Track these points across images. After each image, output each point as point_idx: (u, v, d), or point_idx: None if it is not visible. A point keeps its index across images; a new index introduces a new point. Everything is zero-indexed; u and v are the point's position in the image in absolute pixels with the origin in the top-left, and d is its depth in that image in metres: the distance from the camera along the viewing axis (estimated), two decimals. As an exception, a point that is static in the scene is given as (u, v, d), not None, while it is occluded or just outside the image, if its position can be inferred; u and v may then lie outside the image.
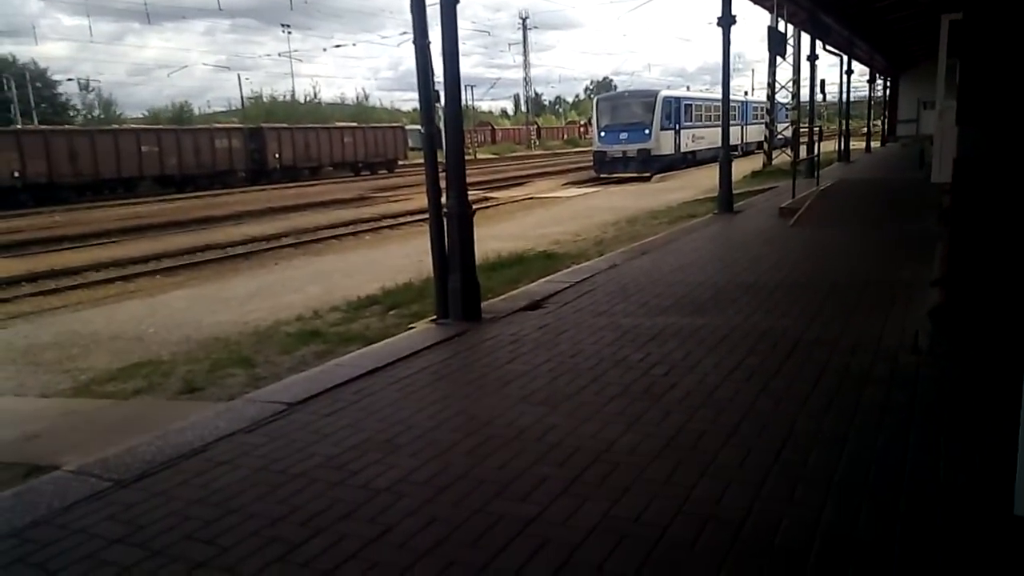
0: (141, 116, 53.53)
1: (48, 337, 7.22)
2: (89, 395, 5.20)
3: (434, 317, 5.23)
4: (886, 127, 34.93)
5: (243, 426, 3.34)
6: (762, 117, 28.58)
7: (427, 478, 2.73)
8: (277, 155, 34.27)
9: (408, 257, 10.35)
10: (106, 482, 2.83)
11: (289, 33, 54.08)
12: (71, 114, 49.85)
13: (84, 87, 51.31)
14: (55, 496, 2.74)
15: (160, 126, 36.22)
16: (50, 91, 49.67)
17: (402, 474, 2.77)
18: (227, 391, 4.81)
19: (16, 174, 24.72)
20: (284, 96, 59.75)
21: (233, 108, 59.33)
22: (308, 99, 62.44)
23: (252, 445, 3.12)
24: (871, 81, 30.91)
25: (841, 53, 23.08)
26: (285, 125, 37.54)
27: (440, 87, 5.13)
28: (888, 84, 34.29)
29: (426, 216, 5.33)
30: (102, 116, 49.56)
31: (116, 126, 34.99)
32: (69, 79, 50.16)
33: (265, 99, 58.99)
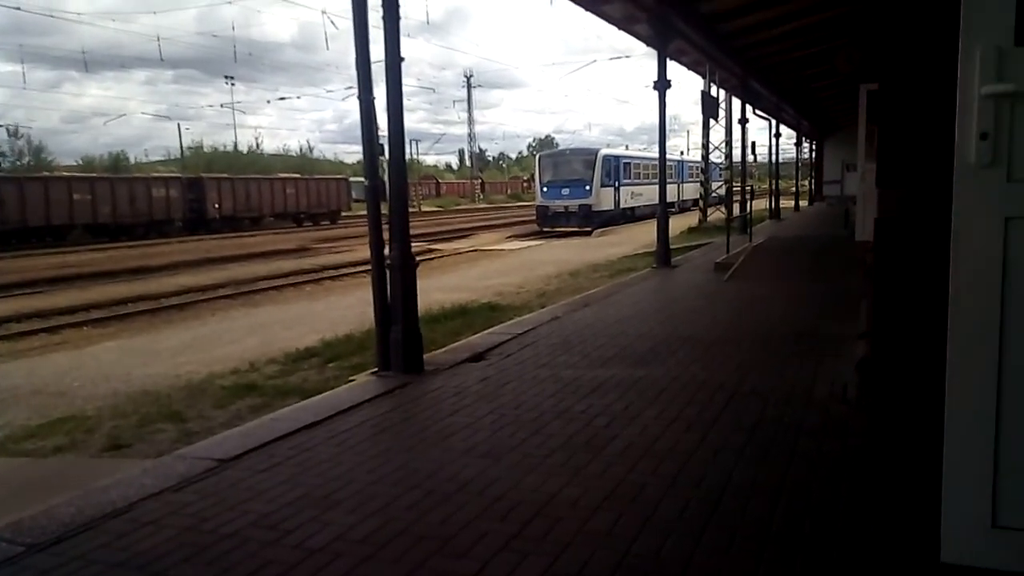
0: (74, 164, 52.01)
1: (-39, 392, 6.82)
2: (4, 454, 4.91)
3: (375, 369, 5.16)
4: (813, 187, 36.67)
5: (171, 484, 3.20)
6: (697, 176, 29.67)
7: (365, 535, 2.65)
8: (217, 205, 33.71)
9: (350, 308, 10.24)
10: (18, 547, 2.65)
11: (232, 85, 53.98)
12: (-2, 161, 48.08)
13: (13, 134, 49.71)
14: (-39, 563, 2.55)
15: (94, 174, 35.23)
16: (-25, 138, 47.90)
17: (339, 531, 2.69)
18: (156, 447, 4.61)
19: (-66, 221, 23.63)
20: (225, 147, 59.15)
21: (172, 157, 58.31)
22: (251, 150, 61.96)
23: (180, 504, 2.99)
24: (798, 144, 32.58)
25: (770, 117, 24.34)
26: (226, 175, 37.08)
27: (385, 140, 5.18)
28: (814, 147, 36.15)
29: (369, 267, 5.30)
30: (32, 163, 47.92)
31: (47, 173, 33.95)
32: (-1, 125, 48.38)
33: (206, 149, 58.30)
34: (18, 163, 47.86)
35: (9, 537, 2.73)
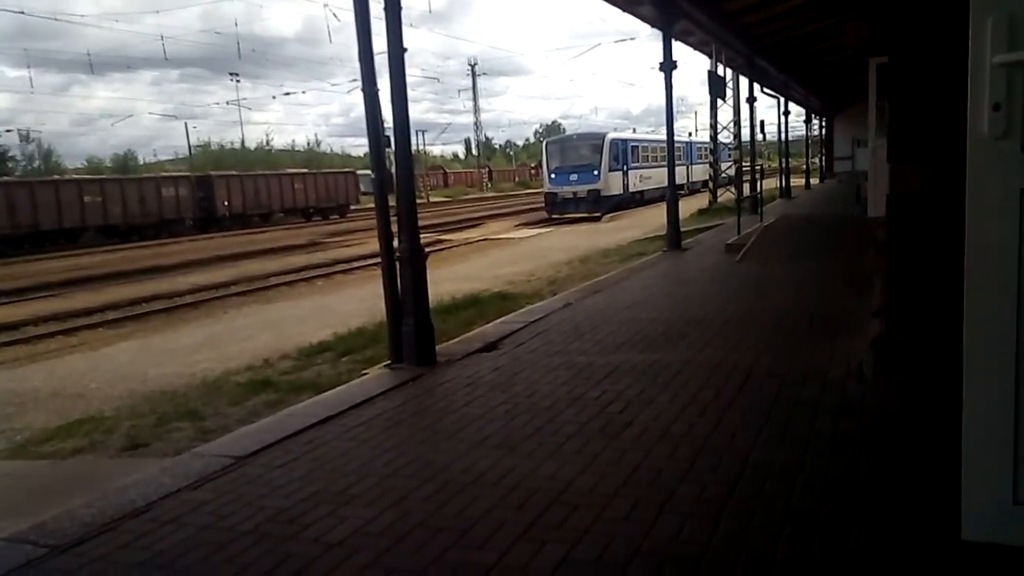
0: (81, 166, 52.33)
1: (-19, 396, 6.90)
2: (25, 456, 4.97)
3: (388, 362, 5.16)
4: (824, 164, 36.34)
5: (190, 482, 3.22)
6: (706, 157, 29.50)
7: (383, 528, 2.66)
8: (226, 202, 33.84)
9: (362, 302, 10.26)
10: (42, 548, 2.68)
11: (238, 82, 53.80)
12: (9, 165, 48.48)
13: (24, 138, 50.08)
14: (-15, 566, 2.58)
15: (103, 176, 35.45)
16: (-12, 143, 48.28)
17: (358, 525, 2.70)
18: (173, 446, 4.65)
19: (-51, 228, 23.86)
20: (233, 144, 59.35)
21: (180, 157, 58.57)
22: (259, 146, 62.15)
23: (199, 502, 3.01)
24: (807, 121, 32.23)
25: (778, 95, 24.09)
26: (234, 172, 37.20)
27: (390, 132, 5.16)
28: (824, 124, 35.79)
29: (379, 260, 5.30)
30: (42, 167, 48.31)
31: (57, 176, 34.19)
32: (8, 130, 48.75)
33: (213, 147, 58.50)
34: (29, 167, 48.27)
35: (33, 539, 2.76)
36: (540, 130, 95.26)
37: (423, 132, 63.53)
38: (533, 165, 72.17)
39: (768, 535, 2.43)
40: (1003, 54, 1.98)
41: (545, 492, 2.87)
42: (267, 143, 65.49)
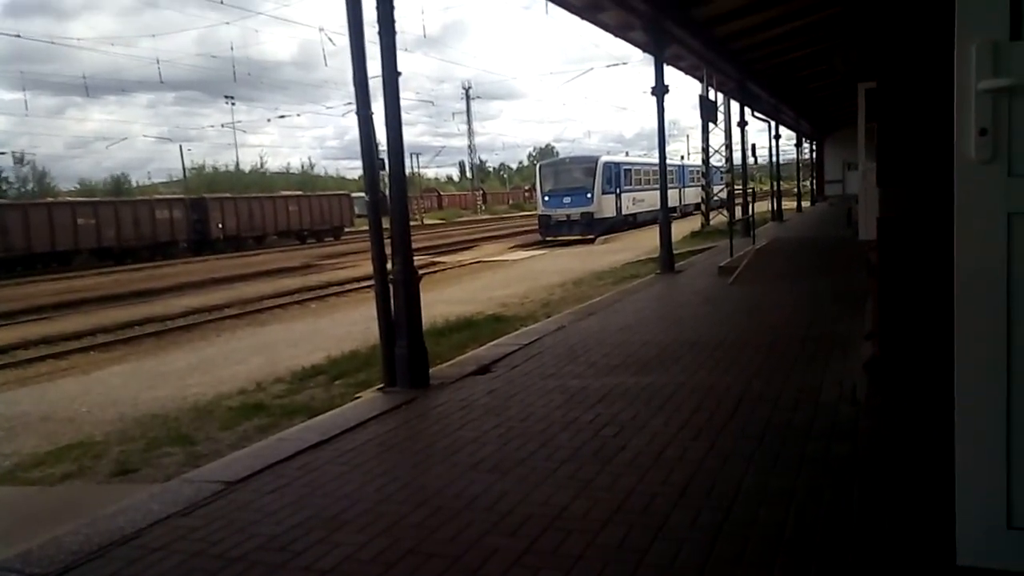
0: (75, 188, 52.29)
1: (-31, 421, 6.82)
2: (13, 482, 4.91)
3: (381, 385, 5.14)
4: (815, 187, 36.64)
5: (179, 508, 3.18)
6: (698, 180, 29.72)
7: (374, 555, 2.63)
8: (220, 225, 33.84)
9: (355, 324, 10.24)
10: (27, 577, 2.64)
11: (233, 105, 54.16)
12: (3, 188, 48.43)
13: (19, 160, 50.07)
14: (-31, 595, 2.54)
15: (97, 198, 35.44)
16: (-18, 166, 48.26)
17: (349, 552, 2.67)
18: (163, 471, 4.60)
19: (-59, 250, 23.76)
20: (227, 166, 59.47)
21: (175, 179, 58.61)
22: (254, 169, 62.30)
23: (188, 528, 2.97)
24: (798, 145, 32.58)
25: (769, 119, 24.35)
26: (228, 195, 37.23)
27: (385, 155, 5.19)
28: (814, 147, 36.15)
29: (373, 282, 5.30)
30: (35, 189, 48.25)
31: (50, 199, 34.16)
32: (2, 152, 48.74)
33: (208, 169, 58.59)
34: (23, 190, 48.21)
35: (19, 568, 2.72)
36: (534, 153, 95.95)
37: (418, 155, 63.93)
38: (527, 188, 72.53)
39: (763, 561, 2.42)
40: (988, 80, 2.01)
41: (539, 517, 2.85)
42: (262, 166, 65.76)
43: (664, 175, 11.99)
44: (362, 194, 5.91)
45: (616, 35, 11.30)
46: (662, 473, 3.23)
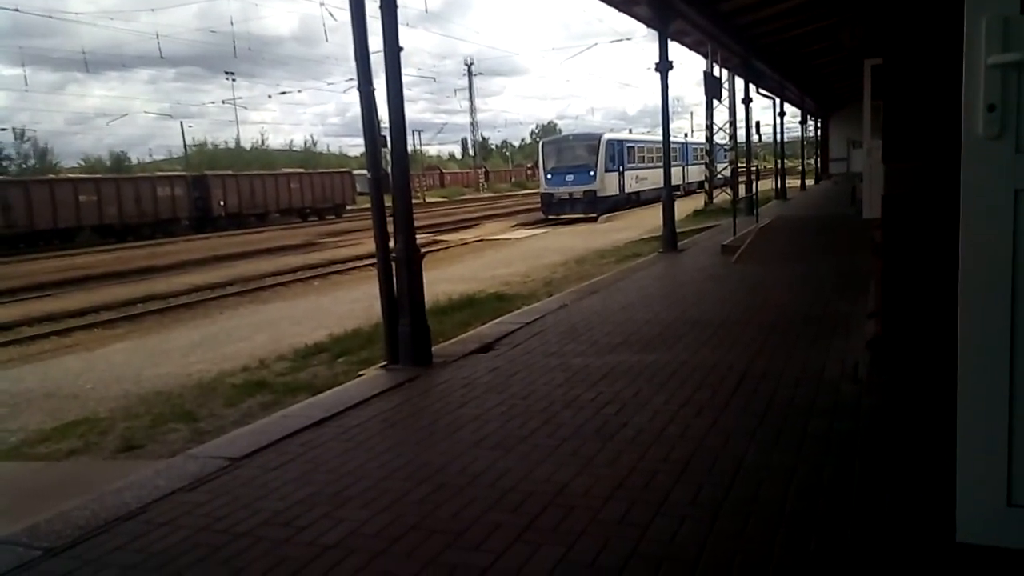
0: (77, 165, 52.07)
1: (-25, 397, 6.87)
2: (19, 458, 4.95)
3: (384, 363, 5.16)
4: (819, 165, 36.41)
5: (184, 484, 3.21)
6: (702, 158, 29.50)
7: (378, 530, 2.66)
8: (222, 202, 33.77)
9: (357, 302, 10.25)
10: (35, 551, 2.67)
11: (233, 81, 53.87)
12: (4, 164, 48.28)
13: (20, 137, 49.82)
14: (-22, 569, 2.57)
15: (99, 175, 35.34)
16: (-17, 142, 48.03)
17: (352, 527, 2.69)
18: (168, 448, 4.64)
19: (-57, 227, 23.76)
20: (228, 143, 59.17)
21: (176, 156, 58.37)
22: (255, 146, 61.99)
23: (193, 504, 3.00)
24: (803, 122, 32.29)
25: (774, 96, 24.13)
26: (230, 172, 37.12)
27: (386, 132, 5.15)
28: (819, 125, 35.86)
29: (375, 260, 5.29)
30: (37, 166, 48.07)
31: (52, 176, 34.07)
32: (3, 129, 48.48)
33: (209, 146, 58.33)
34: (24, 166, 48.05)
35: (26, 542, 2.75)
36: (536, 130, 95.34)
37: (419, 132, 63.72)
38: (529, 166, 72.17)
39: (764, 537, 2.43)
40: (997, 55, 1.98)
41: (541, 494, 2.87)
42: (263, 143, 65.34)
43: (668, 153, 11.91)
44: (364, 171, 5.88)
45: (620, 9, 11.17)
46: (664, 450, 3.25)
